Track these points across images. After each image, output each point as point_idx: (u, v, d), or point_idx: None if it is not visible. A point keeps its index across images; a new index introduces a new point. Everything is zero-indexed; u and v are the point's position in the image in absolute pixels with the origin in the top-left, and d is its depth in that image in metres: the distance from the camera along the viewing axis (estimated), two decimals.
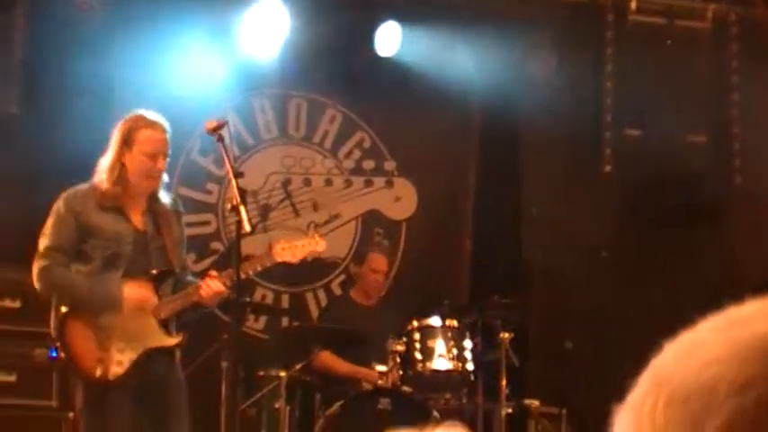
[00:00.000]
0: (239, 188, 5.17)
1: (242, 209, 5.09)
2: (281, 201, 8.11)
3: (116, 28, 7.47)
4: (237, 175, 5.33)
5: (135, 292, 5.34)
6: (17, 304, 6.41)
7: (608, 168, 8.16)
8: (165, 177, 5.62)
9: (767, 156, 8.06)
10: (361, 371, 6.85)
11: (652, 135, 7.99)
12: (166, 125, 5.49)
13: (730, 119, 8.05)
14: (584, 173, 8.32)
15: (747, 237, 8.08)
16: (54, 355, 5.66)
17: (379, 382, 6.67)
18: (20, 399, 6.43)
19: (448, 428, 1.83)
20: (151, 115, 5.52)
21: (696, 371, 0.74)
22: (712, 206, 7.99)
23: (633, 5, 7.95)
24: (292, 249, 5.71)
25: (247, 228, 5.13)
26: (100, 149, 5.48)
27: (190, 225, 7.08)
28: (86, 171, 5.50)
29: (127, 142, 5.39)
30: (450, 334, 6.73)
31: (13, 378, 6.41)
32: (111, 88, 7.44)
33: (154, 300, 5.44)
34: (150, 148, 5.39)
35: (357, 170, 8.33)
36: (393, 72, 8.01)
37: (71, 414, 5.89)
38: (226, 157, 5.34)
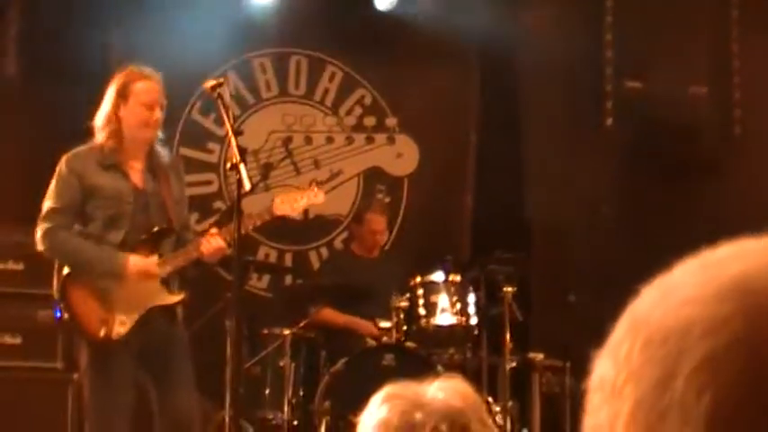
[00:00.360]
0: (239, 146, 5.17)
1: (241, 167, 5.08)
2: (282, 159, 8.13)
3: None
4: (237, 133, 5.35)
5: (139, 264, 5.38)
6: (20, 266, 6.44)
7: (609, 122, 8.16)
8: (160, 134, 5.65)
9: None
10: (360, 323, 6.92)
11: (653, 87, 7.98)
12: (160, 76, 5.50)
13: (731, 69, 8.02)
14: (585, 126, 8.33)
15: (747, 187, 8.08)
16: (58, 316, 5.66)
17: (384, 338, 6.73)
18: (25, 361, 6.49)
19: (446, 380, 1.98)
20: (144, 68, 5.53)
21: (672, 312, 0.73)
22: (713, 157, 7.98)
23: None
24: (291, 202, 5.74)
25: (247, 186, 5.12)
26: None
27: (192, 185, 7.18)
28: (87, 132, 5.52)
29: (122, 94, 5.39)
30: (453, 289, 6.78)
31: (18, 340, 6.46)
32: (109, 49, 7.43)
33: (155, 258, 5.44)
34: (146, 97, 5.40)
35: (358, 127, 8.35)
36: (392, 27, 8.00)
37: (76, 375, 5.94)
38: (225, 116, 5.35)
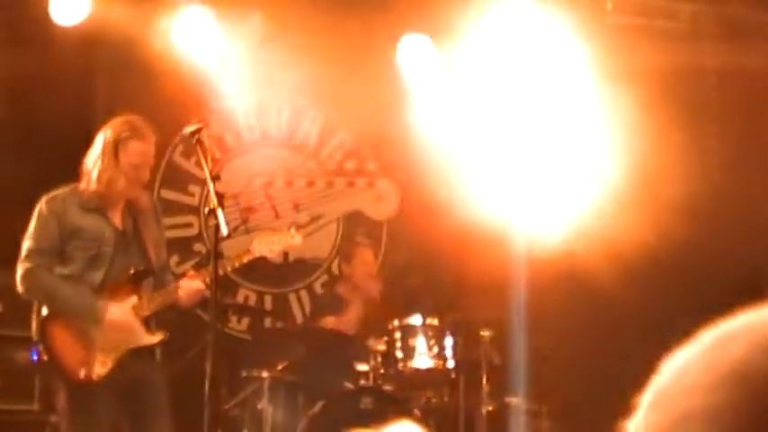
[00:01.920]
0: (216, 192, 5.10)
1: (219, 212, 5.02)
2: (262, 203, 8.14)
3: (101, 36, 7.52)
4: (215, 178, 5.26)
5: (117, 315, 5.35)
6: None
7: None
8: None
9: (743, 151, 8.07)
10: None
11: None
12: (154, 135, 5.49)
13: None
14: None
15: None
16: (36, 357, 5.71)
17: (361, 381, 6.69)
18: (2, 403, 6.47)
19: (399, 428, 1.93)
20: (140, 123, 5.51)
21: (677, 401, 0.75)
22: None
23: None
24: (269, 243, 5.79)
25: (224, 231, 5.04)
26: (77, 152, 5.56)
27: (172, 227, 7.27)
28: (64, 178, 5.56)
29: (114, 148, 5.42)
30: (430, 332, 6.75)
31: None
32: (95, 92, 7.44)
33: (133, 300, 5.40)
34: (138, 159, 5.44)
35: (339, 171, 8.36)
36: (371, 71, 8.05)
37: (53, 417, 5.91)
38: (203, 161, 5.27)
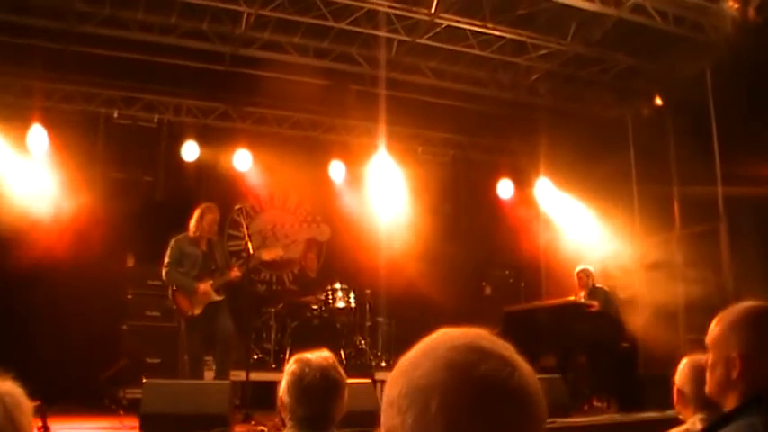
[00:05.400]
0: (248, 234, 5.61)
1: (249, 243, 5.54)
2: (271, 234, 8.00)
3: (204, 165, 7.36)
4: (248, 226, 5.74)
5: (202, 288, 5.45)
6: (159, 282, 6.05)
7: None
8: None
9: (474, 218, 7.99)
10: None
11: None
12: (218, 211, 5.61)
13: None
14: None
15: None
16: (175, 307, 5.58)
17: (314, 312, 6.58)
18: (161, 323, 6.58)
19: (321, 352, 1.68)
20: (212, 206, 5.63)
21: (420, 377, 0.68)
22: None
23: None
24: (269, 253, 5.90)
25: (251, 251, 5.56)
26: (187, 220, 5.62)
27: (232, 246, 7.30)
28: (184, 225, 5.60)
29: (202, 218, 5.57)
30: (343, 290, 6.89)
31: (159, 314, 6.59)
32: (198, 191, 7.34)
33: (211, 281, 5.54)
34: (208, 223, 5.56)
35: (304, 219, 8.36)
36: None
37: (182, 329, 5.89)
38: (243, 219, 5.95)
